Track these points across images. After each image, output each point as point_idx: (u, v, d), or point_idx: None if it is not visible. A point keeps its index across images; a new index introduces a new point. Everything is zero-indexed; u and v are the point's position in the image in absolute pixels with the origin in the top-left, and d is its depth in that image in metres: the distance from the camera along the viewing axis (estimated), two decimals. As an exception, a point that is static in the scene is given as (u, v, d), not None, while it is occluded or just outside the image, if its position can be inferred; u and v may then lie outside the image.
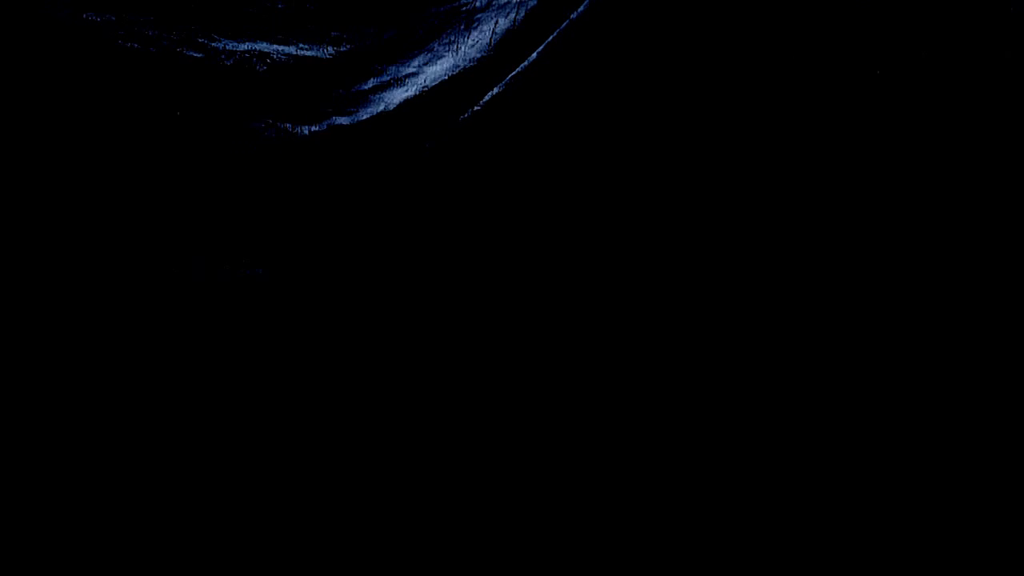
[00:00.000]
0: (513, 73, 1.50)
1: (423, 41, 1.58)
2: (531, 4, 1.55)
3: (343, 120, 1.48)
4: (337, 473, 1.49)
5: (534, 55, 1.52)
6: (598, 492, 1.55)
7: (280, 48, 1.57)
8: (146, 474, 1.43)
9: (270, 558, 1.45)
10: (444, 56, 1.56)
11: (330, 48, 1.57)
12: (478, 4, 1.60)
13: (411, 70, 1.55)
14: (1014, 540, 1.50)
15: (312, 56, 1.56)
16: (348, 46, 1.58)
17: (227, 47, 1.54)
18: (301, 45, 1.58)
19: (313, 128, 1.46)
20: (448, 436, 1.52)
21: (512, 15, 1.57)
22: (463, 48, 1.56)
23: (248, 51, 1.55)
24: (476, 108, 1.48)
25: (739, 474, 1.57)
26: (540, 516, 1.54)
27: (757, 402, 1.58)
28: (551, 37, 1.53)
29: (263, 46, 1.56)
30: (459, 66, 1.54)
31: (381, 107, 1.50)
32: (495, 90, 1.50)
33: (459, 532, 1.52)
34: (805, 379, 1.58)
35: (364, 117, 1.48)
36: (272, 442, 1.46)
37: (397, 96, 1.51)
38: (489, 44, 1.55)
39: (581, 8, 1.54)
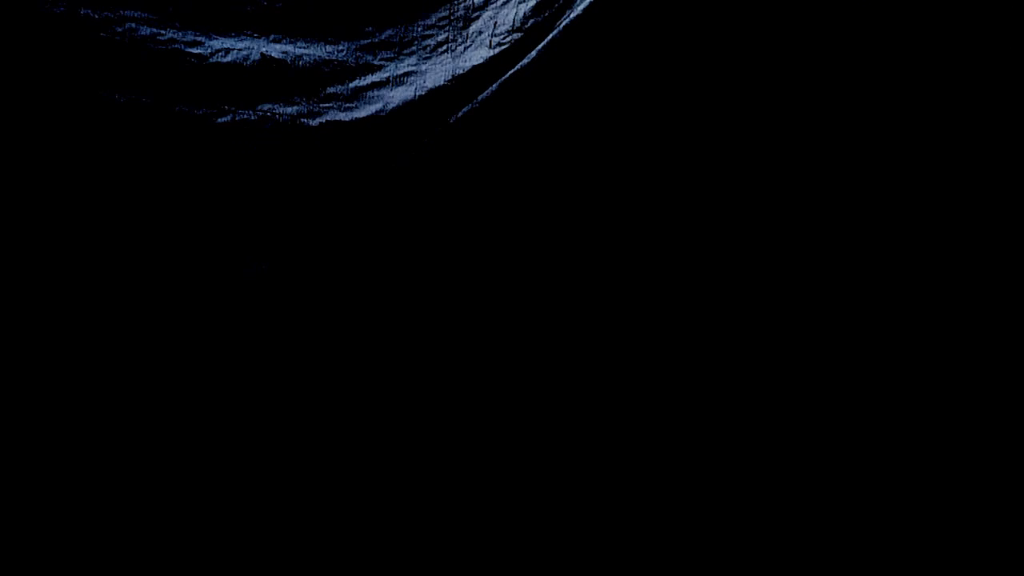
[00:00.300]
0: (512, 71, 1.50)
1: (421, 39, 1.58)
2: (530, 2, 1.55)
3: (341, 117, 1.47)
4: (338, 469, 1.48)
5: (533, 53, 1.52)
6: (598, 492, 1.55)
7: (278, 46, 1.56)
8: (147, 469, 1.42)
9: (270, 555, 1.44)
10: (442, 54, 1.56)
11: (328, 46, 1.56)
12: (476, 1, 1.60)
13: (409, 68, 1.54)
14: (1014, 540, 1.49)
15: (310, 54, 1.55)
16: (346, 44, 1.58)
17: (224, 45, 1.54)
18: (299, 43, 1.57)
19: (311, 124, 1.45)
20: (446, 431, 1.52)
21: (511, 13, 1.57)
22: (461, 46, 1.56)
23: (246, 48, 1.54)
24: (474, 105, 1.48)
25: (738, 473, 1.56)
26: (539, 516, 1.53)
27: (755, 401, 1.57)
28: (550, 36, 1.52)
29: (261, 44, 1.56)
30: (457, 64, 1.53)
31: (379, 105, 1.49)
32: (493, 88, 1.49)
33: (457, 529, 1.51)
34: (801, 378, 1.58)
35: (362, 115, 1.47)
36: (273, 438, 1.46)
37: (395, 94, 1.50)
38: (488, 43, 1.55)
39: (581, 6, 1.53)
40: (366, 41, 1.57)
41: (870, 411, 1.57)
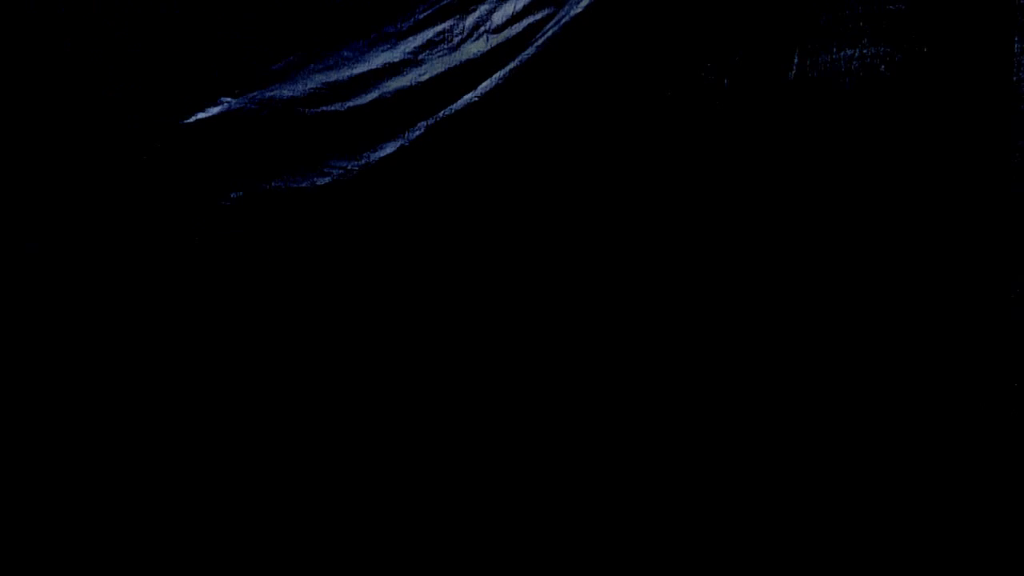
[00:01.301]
0: (512, 65, 1.48)
1: (418, 29, 1.55)
2: (528, -3, 1.54)
3: (336, 107, 1.45)
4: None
5: (533, 48, 1.50)
6: (598, 493, 1.52)
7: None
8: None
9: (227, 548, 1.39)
10: (439, 46, 1.54)
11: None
12: (475, -7, 1.59)
13: (407, 57, 1.52)
14: (1014, 540, 1.49)
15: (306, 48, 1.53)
16: (341, 36, 1.55)
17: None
18: (294, 35, 1.55)
19: (306, 113, 1.42)
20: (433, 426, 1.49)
21: (509, 8, 1.55)
22: (458, 38, 1.54)
23: (240, 42, 1.52)
24: (474, 99, 1.46)
25: (739, 475, 1.55)
26: (540, 516, 1.50)
27: (753, 402, 1.56)
28: (550, 32, 1.51)
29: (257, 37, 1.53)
30: (455, 56, 1.51)
31: (375, 94, 1.47)
32: (493, 81, 1.47)
33: (455, 530, 1.48)
34: (800, 378, 1.57)
35: (357, 104, 1.45)
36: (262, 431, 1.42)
37: (392, 84, 1.48)
38: (486, 37, 1.53)
39: (581, 4, 1.52)
40: (362, 32, 1.55)
41: (869, 410, 1.56)
